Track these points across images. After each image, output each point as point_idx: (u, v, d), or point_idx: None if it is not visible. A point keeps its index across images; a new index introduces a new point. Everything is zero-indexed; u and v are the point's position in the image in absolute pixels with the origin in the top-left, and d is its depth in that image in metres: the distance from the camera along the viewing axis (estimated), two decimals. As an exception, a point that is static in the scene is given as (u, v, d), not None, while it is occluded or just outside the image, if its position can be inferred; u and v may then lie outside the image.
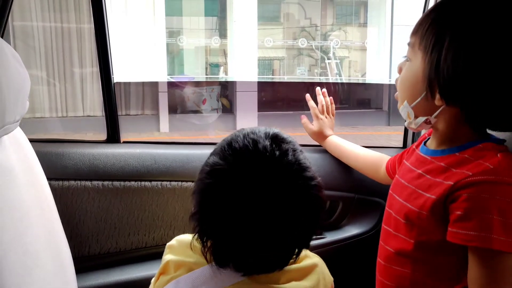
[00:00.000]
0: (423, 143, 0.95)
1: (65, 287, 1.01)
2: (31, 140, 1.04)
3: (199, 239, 0.75)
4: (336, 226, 1.42)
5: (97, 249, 1.30)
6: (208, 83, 8.39)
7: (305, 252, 0.82)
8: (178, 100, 8.29)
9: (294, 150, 0.74)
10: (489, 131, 0.86)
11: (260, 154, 0.71)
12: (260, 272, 0.75)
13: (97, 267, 1.28)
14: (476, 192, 0.76)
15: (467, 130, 0.84)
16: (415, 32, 0.86)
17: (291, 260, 0.77)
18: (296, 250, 0.76)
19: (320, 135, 1.42)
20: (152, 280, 0.85)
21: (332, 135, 1.41)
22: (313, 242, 1.36)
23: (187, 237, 0.83)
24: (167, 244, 0.85)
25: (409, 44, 0.88)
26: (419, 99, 0.85)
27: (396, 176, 0.98)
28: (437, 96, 0.82)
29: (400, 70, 0.92)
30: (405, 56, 0.90)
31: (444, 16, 0.82)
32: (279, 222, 0.70)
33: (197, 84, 8.40)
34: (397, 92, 0.93)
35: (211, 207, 0.72)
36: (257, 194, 0.69)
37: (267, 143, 0.72)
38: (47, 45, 7.11)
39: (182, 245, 0.83)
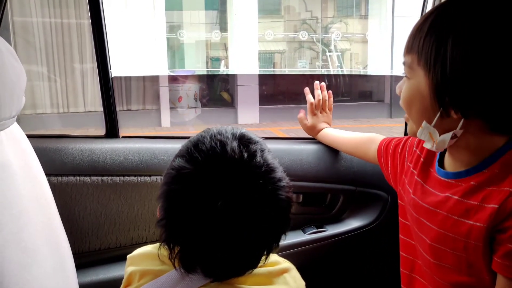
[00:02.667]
0: (437, 162, 0.88)
1: (65, 283, 1.00)
2: (29, 136, 1.03)
3: (165, 246, 0.73)
4: (337, 219, 1.42)
5: (97, 245, 1.30)
6: (185, 81, 8.26)
7: (275, 257, 0.82)
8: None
9: (262, 151, 0.73)
10: None
11: (228, 157, 0.69)
12: (229, 277, 0.74)
13: (98, 263, 1.28)
14: None
15: (495, 138, 0.77)
16: (409, 50, 0.79)
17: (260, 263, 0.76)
18: (265, 252, 0.75)
19: (314, 130, 1.43)
20: None
21: (325, 128, 1.41)
22: (314, 236, 1.36)
23: (148, 248, 0.82)
24: (128, 255, 0.84)
25: (404, 63, 0.81)
26: (436, 118, 0.76)
27: (413, 196, 0.90)
28: (452, 112, 0.74)
29: (400, 91, 0.84)
30: (403, 73, 0.82)
31: (440, 24, 0.74)
32: (247, 224, 0.69)
33: (193, 79, 8.31)
34: (405, 115, 0.85)
35: (178, 213, 0.70)
36: (225, 197, 0.67)
37: (235, 144, 0.70)
38: (47, 41, 7.11)
39: (144, 255, 0.82)
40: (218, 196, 0.67)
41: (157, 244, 0.78)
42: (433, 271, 0.86)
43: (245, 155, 0.70)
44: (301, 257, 1.32)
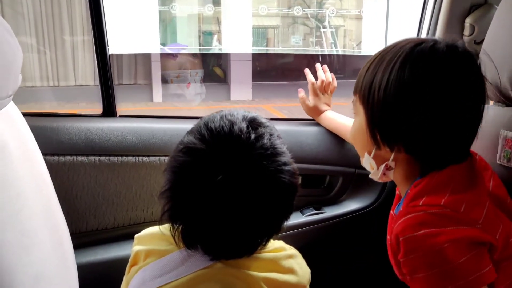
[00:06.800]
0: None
1: (63, 263, 1.00)
2: (25, 114, 1.01)
3: (168, 220, 0.74)
4: (335, 201, 1.42)
5: (95, 225, 1.29)
6: (192, 66, 8.21)
7: (281, 243, 0.83)
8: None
9: (271, 135, 0.74)
10: None
11: (235, 136, 0.71)
12: (229, 257, 0.75)
13: (95, 243, 1.28)
14: (404, 255, 0.75)
15: (418, 168, 0.81)
16: (354, 91, 0.85)
17: (262, 247, 0.77)
18: (265, 236, 0.76)
19: (316, 111, 1.42)
20: (124, 277, 0.85)
21: (327, 111, 1.40)
22: (312, 217, 1.36)
23: (156, 228, 0.83)
24: (136, 235, 0.85)
25: (352, 102, 0.87)
26: (373, 150, 0.83)
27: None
28: (383, 145, 0.80)
29: None
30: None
31: (374, 64, 0.80)
32: (248, 203, 0.70)
33: (182, 65, 8.18)
34: None
35: (182, 185, 0.71)
36: (228, 174, 0.68)
37: (244, 125, 0.72)
38: (36, 11, 6.95)
39: (151, 235, 0.83)
40: (219, 171, 0.68)
41: (166, 225, 0.78)
42: None
43: (252, 136, 0.71)
44: (299, 239, 1.32)
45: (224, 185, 0.68)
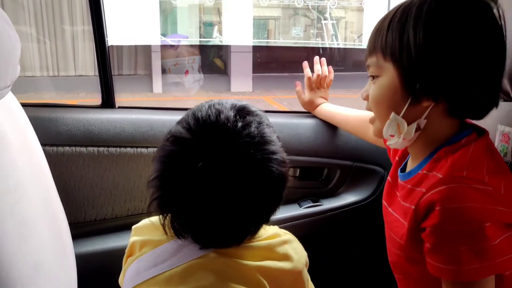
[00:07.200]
0: (400, 169, 0.91)
1: (61, 253, 1.01)
2: (24, 105, 1.01)
3: (157, 209, 0.74)
4: (333, 193, 1.42)
5: (93, 216, 1.29)
6: (189, 53, 8.11)
7: (275, 229, 0.82)
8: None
9: (260, 123, 0.73)
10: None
11: (221, 124, 0.70)
12: (218, 246, 0.75)
13: (94, 233, 1.28)
14: (439, 224, 0.72)
15: (448, 124, 0.79)
16: (372, 50, 0.81)
17: (251, 236, 0.76)
18: (253, 227, 0.75)
19: (311, 105, 1.42)
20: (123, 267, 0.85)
21: (323, 103, 1.40)
22: (310, 210, 1.37)
23: (153, 218, 0.82)
24: (133, 226, 0.86)
25: (368, 65, 0.82)
26: (405, 106, 0.77)
27: (384, 198, 0.94)
28: (423, 98, 0.76)
29: (367, 95, 0.85)
30: (369, 76, 0.84)
31: (398, 18, 0.76)
32: (235, 192, 0.69)
33: (179, 53, 8.10)
34: (372, 116, 0.87)
35: (169, 174, 0.71)
36: (214, 163, 0.67)
37: (231, 114, 0.71)
38: (35, 1, 6.91)
39: (147, 225, 0.83)
40: (207, 161, 0.67)
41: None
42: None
43: (239, 124, 0.70)
44: (296, 231, 1.31)
45: (210, 173, 0.67)
